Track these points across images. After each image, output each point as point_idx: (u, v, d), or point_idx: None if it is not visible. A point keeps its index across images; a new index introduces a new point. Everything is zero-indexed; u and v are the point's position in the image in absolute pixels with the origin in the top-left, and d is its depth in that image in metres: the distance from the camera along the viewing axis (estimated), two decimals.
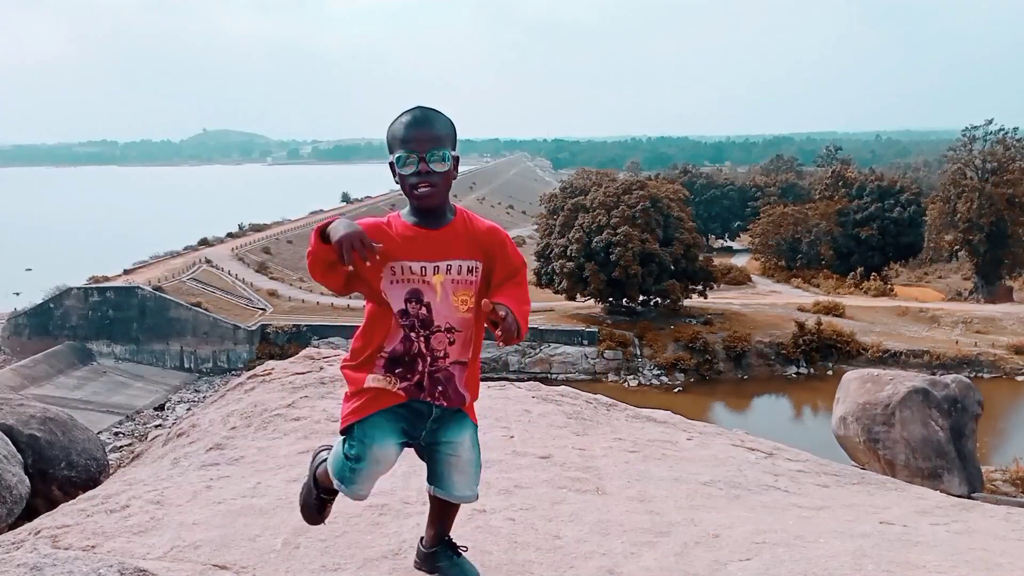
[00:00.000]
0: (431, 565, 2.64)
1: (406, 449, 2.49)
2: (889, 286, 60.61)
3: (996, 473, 21.13)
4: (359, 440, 2.38)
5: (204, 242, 65.29)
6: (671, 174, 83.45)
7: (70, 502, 3.79)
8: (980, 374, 41.18)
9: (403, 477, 3.56)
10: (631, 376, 44.31)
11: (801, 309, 49.27)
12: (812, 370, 44.46)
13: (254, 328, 47.76)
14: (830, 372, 42.22)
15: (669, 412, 5.44)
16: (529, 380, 6.40)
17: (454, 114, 2.49)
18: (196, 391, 43.96)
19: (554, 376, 42.70)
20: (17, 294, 59.78)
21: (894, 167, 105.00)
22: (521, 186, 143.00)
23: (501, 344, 2.36)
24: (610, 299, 49.04)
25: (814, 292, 57.38)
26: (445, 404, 2.45)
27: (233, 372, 40.88)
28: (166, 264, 56.90)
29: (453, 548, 2.63)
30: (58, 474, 5.30)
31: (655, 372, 44.57)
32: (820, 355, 44.70)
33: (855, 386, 14.73)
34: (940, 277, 66.52)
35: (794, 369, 44.92)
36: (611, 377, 44.24)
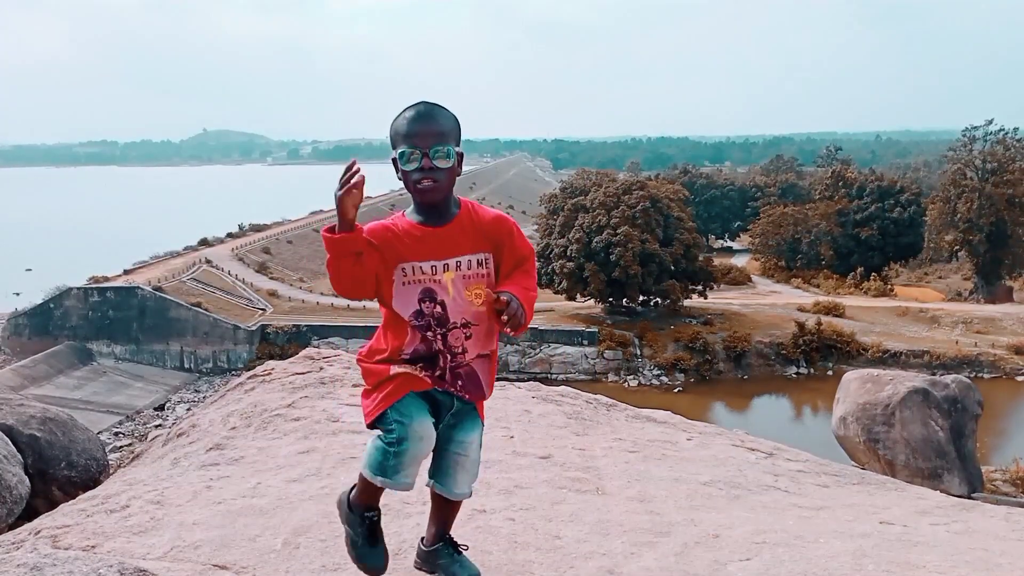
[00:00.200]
0: (432, 564, 2.63)
1: None
2: (889, 286, 60.63)
3: (996, 473, 21.13)
4: (396, 421, 2.34)
5: (204, 242, 65.31)
6: (671, 174, 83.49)
7: (70, 502, 3.79)
8: (980, 374, 41.20)
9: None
10: (631, 376, 44.31)
11: (801, 309, 49.28)
12: (812, 370, 44.46)
13: (254, 328, 47.77)
14: (830, 372, 42.22)
15: (669, 412, 5.44)
16: (529, 380, 6.40)
17: (454, 114, 2.48)
18: (196, 391, 43.97)
19: (554, 376, 42.70)
20: (17, 294, 59.81)
21: (894, 167, 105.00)
22: (521, 186, 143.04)
23: (509, 332, 2.35)
24: (610, 299, 49.05)
25: (814, 292, 57.40)
26: (467, 397, 2.46)
27: (233, 372, 40.88)
28: (166, 264, 56.91)
29: (454, 546, 2.62)
30: (58, 474, 5.29)
31: (655, 372, 44.58)
32: (820, 355, 44.71)
33: (855, 386, 14.74)
34: (940, 277, 66.52)
35: (794, 369, 44.92)
36: (611, 377, 44.25)
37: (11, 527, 4.23)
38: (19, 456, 5.11)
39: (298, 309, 51.11)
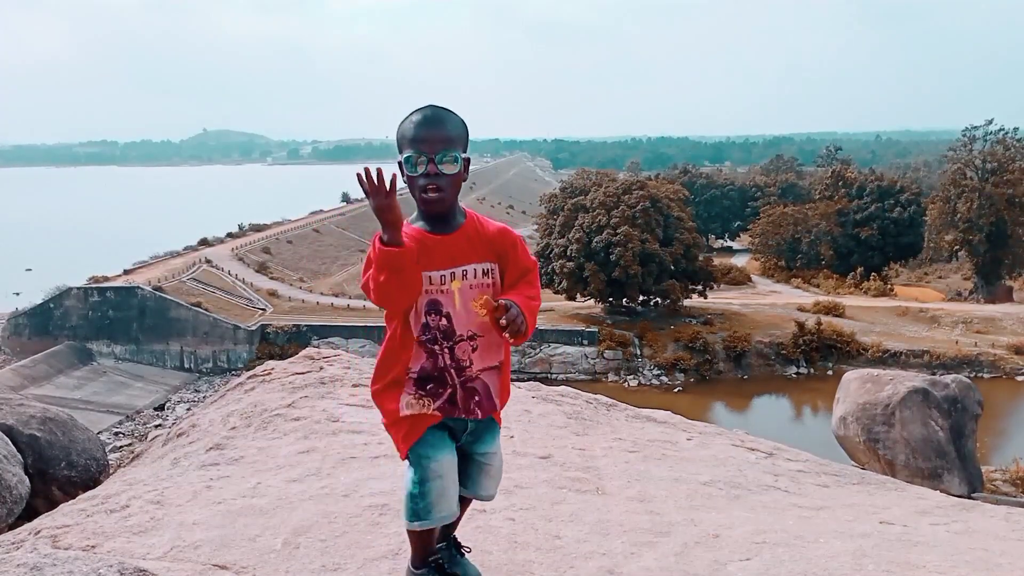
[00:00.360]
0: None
1: None
2: (889, 286, 60.64)
3: (996, 473, 21.12)
4: (416, 463, 2.39)
5: (204, 242, 65.29)
6: (671, 174, 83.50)
7: (70, 502, 3.79)
8: (980, 374, 41.19)
9: (403, 477, 3.56)
10: (631, 376, 44.31)
11: (801, 309, 49.28)
12: (812, 370, 44.46)
13: (254, 328, 47.76)
14: (830, 372, 42.22)
15: (669, 412, 5.44)
16: (529, 380, 6.40)
17: (462, 119, 2.44)
18: (196, 391, 43.96)
19: (554, 376, 42.70)
20: (17, 294, 59.82)
21: (894, 167, 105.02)
22: (521, 186, 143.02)
23: (510, 340, 2.35)
24: (610, 299, 49.05)
25: (814, 292, 57.40)
26: (480, 416, 2.46)
27: (233, 372, 40.87)
28: (166, 264, 56.89)
29: (457, 547, 2.63)
30: (58, 474, 5.30)
31: (655, 372, 44.57)
32: (820, 355, 44.70)
33: (855, 386, 14.74)
34: (940, 277, 66.55)
35: (794, 369, 44.92)
36: (611, 377, 44.24)
37: (11, 527, 4.23)
38: (19, 456, 5.11)
39: (298, 309, 51.11)
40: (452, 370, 2.40)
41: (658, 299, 48.83)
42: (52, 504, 4.40)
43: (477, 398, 2.44)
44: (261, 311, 50.56)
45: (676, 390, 42.51)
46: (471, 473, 2.51)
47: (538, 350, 45.40)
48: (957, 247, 59.94)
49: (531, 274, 2.48)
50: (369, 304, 59.88)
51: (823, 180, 74.88)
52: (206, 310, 48.32)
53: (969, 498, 8.17)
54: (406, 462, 2.44)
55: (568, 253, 47.53)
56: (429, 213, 2.39)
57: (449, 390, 2.41)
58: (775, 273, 65.36)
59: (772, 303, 52.77)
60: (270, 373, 5.40)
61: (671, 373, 44.32)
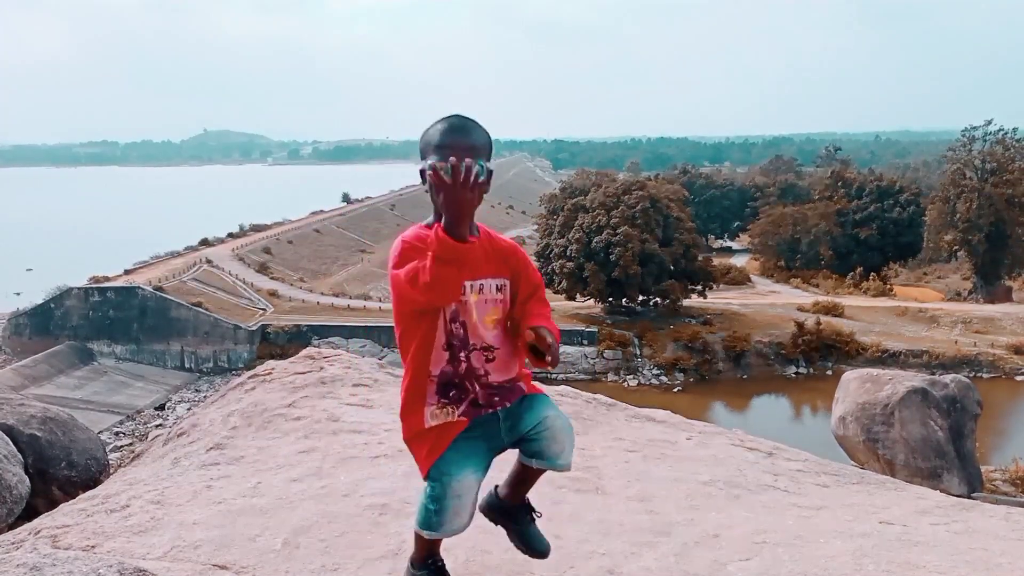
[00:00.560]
0: (507, 522, 2.65)
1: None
2: (888, 286, 60.65)
3: (996, 473, 21.12)
4: (437, 480, 2.37)
5: (205, 242, 65.30)
6: (671, 174, 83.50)
7: (70, 502, 3.79)
8: (979, 374, 41.20)
9: (403, 477, 3.56)
10: (631, 376, 44.31)
11: (800, 309, 49.29)
12: (811, 370, 44.46)
13: (254, 328, 47.77)
14: (829, 372, 42.21)
15: (669, 412, 5.45)
16: None
17: (487, 130, 2.42)
18: (196, 391, 43.95)
19: (554, 376, 42.67)
20: (18, 294, 59.81)
21: (893, 167, 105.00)
22: (521, 186, 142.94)
23: (550, 369, 2.38)
24: (610, 299, 49.06)
25: (813, 292, 57.41)
26: (508, 404, 2.44)
27: (233, 372, 40.87)
28: (167, 264, 56.90)
29: (531, 511, 2.64)
30: (58, 474, 5.30)
31: (655, 372, 44.58)
32: (819, 355, 44.71)
33: (854, 386, 14.74)
34: (939, 277, 66.57)
35: (793, 369, 44.92)
36: (611, 377, 44.24)
37: (11, 527, 4.22)
38: (19, 456, 5.11)
39: (298, 309, 51.12)
40: (472, 377, 2.40)
41: (658, 299, 48.84)
42: (52, 504, 4.40)
43: (499, 396, 2.43)
44: (261, 311, 50.57)
45: (676, 390, 42.51)
46: (535, 448, 2.46)
47: None
48: (956, 247, 59.95)
49: (541, 290, 2.49)
50: (369, 304, 59.55)
51: (822, 180, 74.88)
52: (207, 310, 48.32)
53: (969, 498, 8.16)
54: (426, 479, 2.42)
55: (568, 253, 47.54)
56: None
57: (472, 395, 2.40)
58: (774, 273, 65.37)
59: (771, 303, 52.78)
60: (270, 373, 5.40)
61: (671, 373, 44.32)
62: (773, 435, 5.82)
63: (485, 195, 2.33)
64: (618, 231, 46.21)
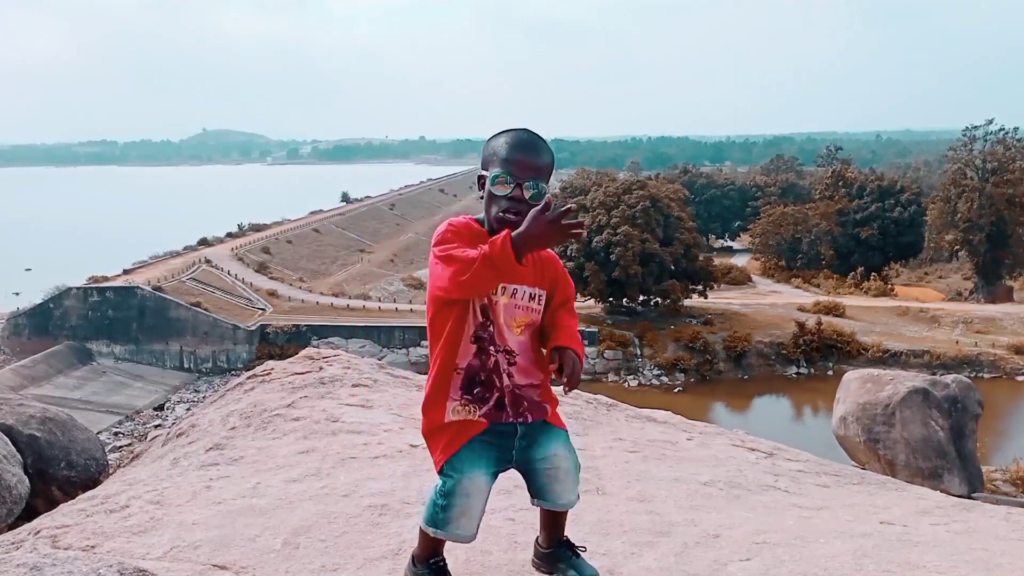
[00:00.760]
0: (551, 565, 2.65)
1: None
2: (889, 286, 60.67)
3: (996, 473, 21.14)
4: (448, 475, 2.37)
5: (204, 242, 65.27)
6: (671, 174, 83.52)
7: (70, 502, 3.79)
8: (980, 374, 41.21)
9: (403, 477, 3.56)
10: (631, 376, 44.32)
11: (801, 309, 49.30)
12: (812, 370, 44.47)
13: (254, 328, 47.76)
14: (830, 372, 42.23)
15: (669, 412, 5.45)
16: None
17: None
18: (196, 391, 43.95)
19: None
20: (17, 294, 59.80)
21: (894, 167, 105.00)
22: None
23: (567, 391, 2.40)
24: (610, 299, 49.07)
25: (814, 292, 57.42)
26: (529, 419, 2.44)
27: (233, 372, 40.88)
28: (166, 264, 56.88)
29: (571, 548, 2.63)
30: (58, 474, 5.30)
31: (655, 372, 44.59)
32: (820, 355, 44.71)
33: (855, 386, 14.73)
34: (940, 277, 66.58)
35: (794, 369, 44.93)
36: (611, 377, 44.25)
37: (11, 527, 4.22)
38: (19, 456, 5.11)
39: (298, 309, 51.12)
40: (499, 374, 2.40)
41: (658, 299, 48.84)
42: (52, 504, 4.40)
43: (525, 404, 2.43)
44: (261, 311, 50.57)
45: (676, 390, 42.52)
46: (539, 485, 2.48)
47: None
48: (957, 247, 59.99)
49: (572, 301, 2.53)
50: (369, 304, 59.51)
51: (823, 180, 74.89)
52: (206, 310, 48.32)
53: (969, 498, 8.17)
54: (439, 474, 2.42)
55: (568, 253, 47.54)
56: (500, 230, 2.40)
57: (497, 394, 2.40)
58: (775, 273, 65.38)
59: (772, 303, 52.80)
60: (270, 373, 5.40)
61: (671, 373, 44.33)
62: (774, 435, 5.82)
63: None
64: (618, 231, 46.22)
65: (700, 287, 49.47)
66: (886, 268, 65.66)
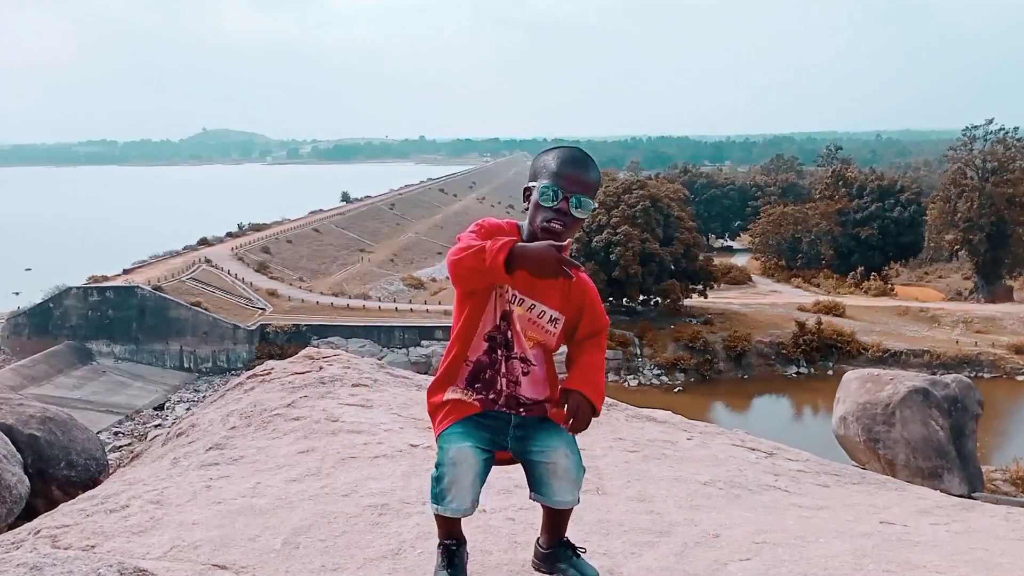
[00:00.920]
0: (551, 565, 2.66)
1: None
2: (889, 286, 60.70)
3: (996, 473, 21.15)
4: (441, 446, 2.42)
5: (204, 242, 65.29)
6: (671, 174, 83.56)
7: (70, 502, 3.79)
8: (980, 374, 41.24)
9: (403, 477, 3.56)
10: (631, 376, 44.33)
11: (801, 309, 49.32)
12: (812, 370, 44.48)
13: (254, 328, 47.76)
14: (830, 372, 42.24)
15: (669, 412, 5.44)
16: None
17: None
18: (196, 391, 43.97)
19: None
20: (17, 294, 59.81)
21: (894, 167, 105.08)
22: (521, 186, 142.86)
23: (570, 432, 2.43)
24: (610, 299, 49.05)
25: (814, 292, 57.44)
26: (523, 413, 2.48)
27: (233, 372, 40.89)
28: (166, 264, 56.88)
29: (572, 548, 2.65)
30: (58, 474, 5.30)
31: (655, 372, 44.59)
32: (820, 355, 44.74)
33: (855, 386, 14.72)
34: (940, 277, 66.59)
35: (794, 369, 44.94)
36: (611, 377, 44.24)
37: (11, 527, 4.23)
38: (19, 456, 5.11)
39: (298, 309, 51.12)
40: (504, 377, 2.45)
41: (658, 299, 48.86)
42: (52, 504, 4.40)
43: (523, 407, 2.48)
44: (261, 311, 50.57)
45: (676, 390, 42.53)
46: (537, 477, 2.50)
47: None
48: (957, 247, 60.01)
49: (602, 335, 2.54)
50: (368, 304, 59.56)
51: (823, 179, 74.95)
52: (206, 310, 48.33)
53: (969, 498, 8.17)
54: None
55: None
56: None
57: (494, 395, 2.46)
58: (775, 273, 65.41)
59: (772, 303, 52.81)
60: (270, 373, 5.40)
61: (671, 373, 44.34)
62: (774, 435, 5.82)
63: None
64: (618, 230, 46.24)
65: (700, 287, 49.48)
66: (886, 268, 65.68)
